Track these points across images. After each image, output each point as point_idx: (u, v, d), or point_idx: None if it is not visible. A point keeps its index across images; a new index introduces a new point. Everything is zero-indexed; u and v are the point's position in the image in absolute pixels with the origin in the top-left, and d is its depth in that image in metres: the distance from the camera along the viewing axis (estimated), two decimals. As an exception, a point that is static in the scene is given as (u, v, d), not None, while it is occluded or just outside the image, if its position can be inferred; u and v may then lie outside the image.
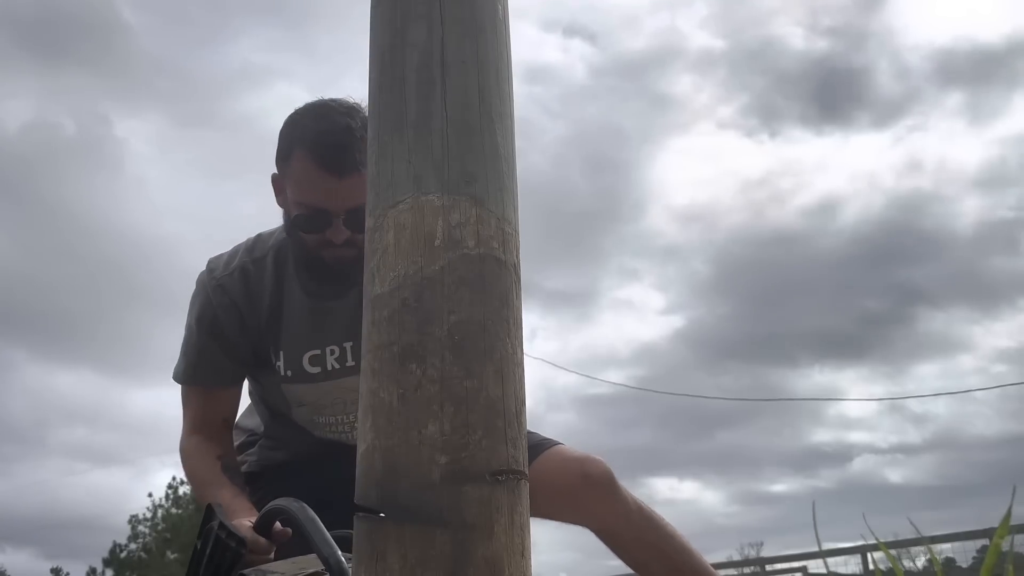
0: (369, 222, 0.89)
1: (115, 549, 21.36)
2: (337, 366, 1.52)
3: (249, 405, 1.71)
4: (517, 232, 0.90)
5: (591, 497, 1.49)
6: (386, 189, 0.87)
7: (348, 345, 1.51)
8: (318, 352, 1.52)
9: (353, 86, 1.55)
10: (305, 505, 1.02)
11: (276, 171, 1.50)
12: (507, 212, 0.88)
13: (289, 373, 1.52)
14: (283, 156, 1.46)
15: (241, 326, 1.50)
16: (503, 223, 0.87)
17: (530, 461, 1.38)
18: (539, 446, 1.53)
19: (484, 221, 0.84)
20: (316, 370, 1.52)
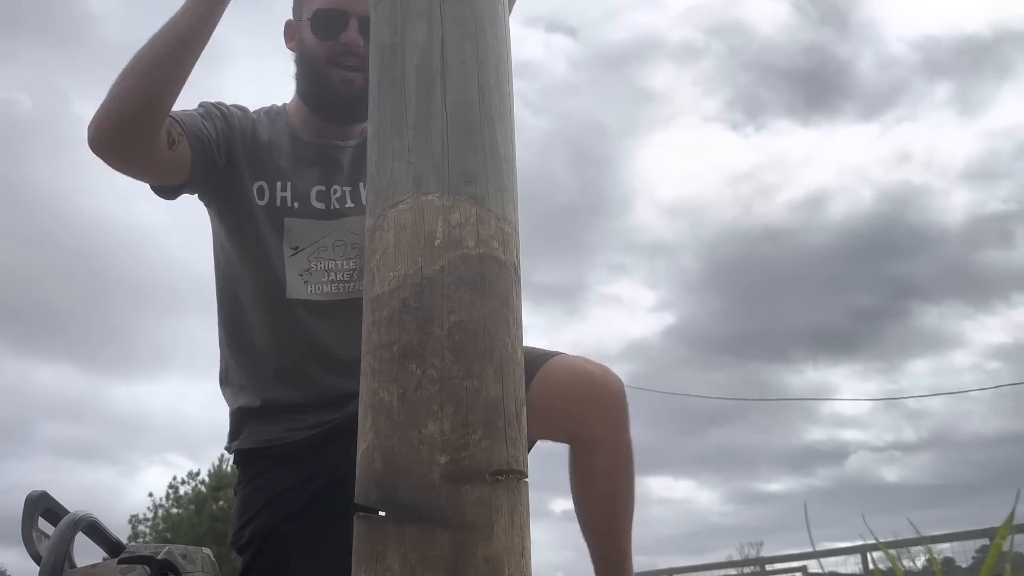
0: (369, 222, 0.89)
1: (115, 549, 21.32)
2: (338, 206, 1.60)
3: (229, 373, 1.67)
4: (517, 232, 0.90)
5: (595, 399, 1.41)
6: (386, 189, 0.87)
7: (348, 189, 1.60)
8: (323, 188, 1.59)
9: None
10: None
11: (292, 18, 1.61)
12: (507, 212, 0.88)
13: (296, 205, 1.57)
14: None
15: (227, 134, 1.56)
16: (503, 223, 0.87)
17: (543, 363, 1.38)
18: (551, 354, 1.46)
19: (484, 221, 0.84)
20: (321, 206, 1.58)
